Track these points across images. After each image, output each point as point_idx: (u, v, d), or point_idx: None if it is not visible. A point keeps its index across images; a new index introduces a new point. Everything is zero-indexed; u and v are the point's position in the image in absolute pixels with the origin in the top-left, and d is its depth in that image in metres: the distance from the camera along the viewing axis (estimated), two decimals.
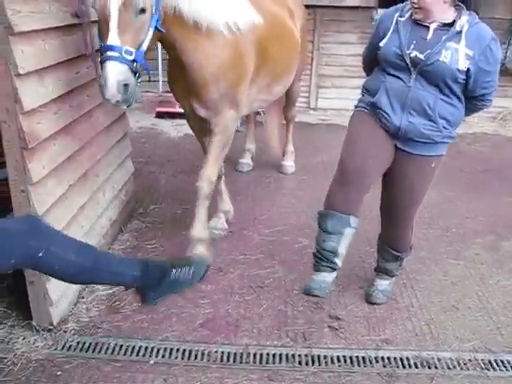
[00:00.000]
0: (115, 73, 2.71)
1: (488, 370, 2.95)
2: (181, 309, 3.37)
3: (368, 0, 7.83)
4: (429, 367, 2.95)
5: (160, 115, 7.86)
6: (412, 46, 2.83)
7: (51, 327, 3.09)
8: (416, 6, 2.77)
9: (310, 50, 7.94)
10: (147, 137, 7.02)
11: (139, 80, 2.91)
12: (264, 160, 5.88)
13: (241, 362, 2.95)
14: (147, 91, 8.29)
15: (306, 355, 3.02)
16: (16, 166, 2.69)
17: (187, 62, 3.32)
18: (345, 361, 2.99)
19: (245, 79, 3.61)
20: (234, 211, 4.47)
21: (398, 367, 2.95)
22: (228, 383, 2.79)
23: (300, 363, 2.96)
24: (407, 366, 2.95)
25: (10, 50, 2.46)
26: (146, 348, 3.02)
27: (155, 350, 3.01)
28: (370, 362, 2.98)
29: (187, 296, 3.49)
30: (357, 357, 3.02)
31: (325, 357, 3.01)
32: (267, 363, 2.95)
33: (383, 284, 3.53)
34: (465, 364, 2.98)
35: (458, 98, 2.89)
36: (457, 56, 2.75)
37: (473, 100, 2.93)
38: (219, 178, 4.20)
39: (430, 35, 2.82)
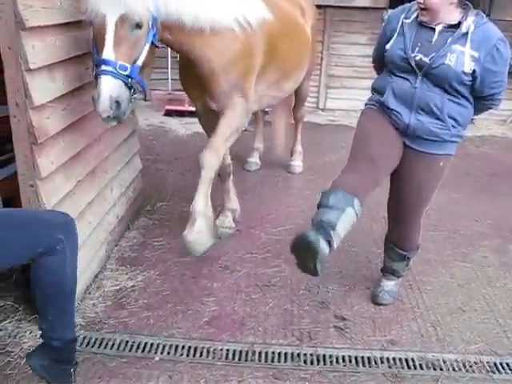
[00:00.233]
0: (109, 88, 2.70)
1: (494, 372, 2.93)
2: (187, 306, 3.38)
3: (378, 0, 7.82)
4: (434, 369, 2.94)
5: (169, 113, 7.89)
6: (417, 49, 2.83)
7: None
8: (422, 6, 2.76)
9: (320, 51, 7.94)
10: (156, 134, 7.04)
11: (134, 96, 2.89)
12: (272, 159, 5.88)
13: (246, 360, 2.95)
14: (156, 89, 8.31)
15: (311, 354, 3.02)
16: (25, 161, 2.71)
17: (196, 58, 3.33)
18: (350, 361, 2.98)
19: (252, 72, 3.61)
20: (241, 210, 4.48)
21: (403, 368, 2.94)
22: (233, 381, 2.79)
23: (305, 362, 2.95)
24: (412, 367, 2.94)
25: (21, 45, 2.47)
26: (152, 344, 3.03)
27: (161, 346, 3.02)
28: (375, 363, 2.97)
29: (193, 293, 3.51)
30: (362, 357, 3.01)
31: (330, 356, 3.01)
32: (272, 362, 2.95)
33: (389, 285, 3.52)
34: (470, 366, 2.97)
35: (465, 98, 2.88)
36: (462, 58, 2.74)
37: (481, 100, 2.92)
38: (228, 175, 4.20)
39: (435, 38, 2.81)
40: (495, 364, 2.99)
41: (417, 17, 2.87)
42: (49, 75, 2.76)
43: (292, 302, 3.47)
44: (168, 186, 5.29)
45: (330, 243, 2.68)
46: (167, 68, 7.98)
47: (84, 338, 3.05)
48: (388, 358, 3.01)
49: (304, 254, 2.71)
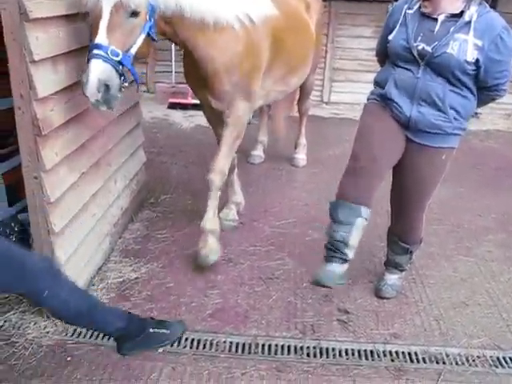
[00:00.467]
0: (98, 71, 2.67)
1: (496, 367, 2.93)
2: (190, 298, 3.39)
3: None
4: (437, 362, 2.95)
5: (173, 106, 7.89)
6: (419, 39, 2.80)
7: None
8: None
9: (325, 44, 7.91)
10: (159, 127, 7.05)
11: (125, 84, 2.85)
12: (276, 152, 5.88)
13: (249, 353, 2.96)
14: (160, 82, 8.31)
15: (314, 347, 3.02)
16: (29, 153, 2.71)
17: (199, 56, 3.31)
18: (353, 354, 2.99)
19: (258, 70, 3.59)
20: (245, 203, 4.48)
21: (406, 362, 2.94)
22: (236, 373, 2.80)
23: (308, 355, 2.96)
24: (415, 361, 2.95)
25: (25, 37, 2.46)
26: None
27: None
28: (378, 356, 2.98)
29: (197, 286, 3.51)
30: (365, 350, 3.02)
31: (333, 349, 3.01)
32: (276, 354, 2.95)
33: (392, 278, 3.52)
34: (473, 360, 2.97)
35: (468, 89, 2.85)
36: (465, 47, 2.71)
37: (485, 90, 2.88)
38: (232, 169, 4.20)
39: (437, 27, 2.78)
40: (498, 358, 3.00)
41: (419, 7, 2.85)
42: (53, 67, 2.76)
43: (295, 294, 3.48)
44: (172, 178, 5.30)
45: (345, 259, 3.05)
46: (171, 61, 7.97)
47: (88, 329, 3.06)
48: (391, 352, 3.01)
49: (325, 286, 3.14)
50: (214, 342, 3.02)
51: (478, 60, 2.72)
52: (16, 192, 3.38)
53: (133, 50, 2.83)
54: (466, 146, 6.36)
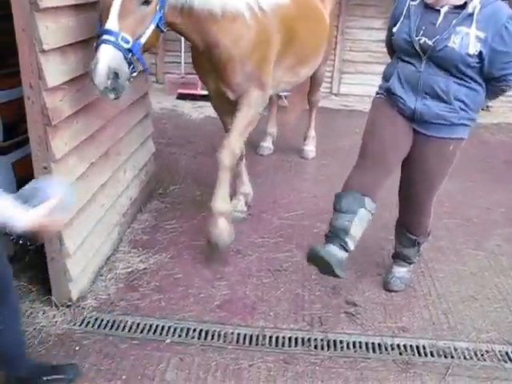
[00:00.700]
0: (107, 58, 2.64)
1: (505, 361, 2.92)
2: (198, 289, 3.39)
3: None
4: (445, 356, 2.94)
5: (182, 97, 7.87)
6: (421, 32, 2.77)
7: (70, 303, 3.13)
8: None
9: (334, 35, 7.85)
10: (168, 118, 7.04)
11: (134, 73, 2.83)
12: (285, 144, 5.86)
13: (257, 344, 2.96)
14: (169, 72, 8.30)
15: (321, 340, 3.02)
16: (39, 143, 2.71)
17: (211, 47, 3.30)
18: (360, 347, 2.98)
19: (270, 59, 3.57)
20: (253, 194, 4.47)
21: (413, 355, 2.93)
22: (243, 364, 2.80)
23: (316, 347, 2.96)
24: (423, 355, 2.94)
25: (35, 26, 2.46)
26: (163, 327, 3.05)
27: (172, 329, 3.04)
28: (386, 349, 2.97)
29: (205, 277, 3.52)
30: (373, 343, 3.01)
31: (341, 342, 3.01)
32: (283, 346, 2.96)
33: (401, 271, 3.51)
34: (482, 355, 2.96)
35: (474, 80, 2.81)
36: (467, 40, 2.66)
37: (494, 82, 2.83)
38: (240, 160, 4.18)
39: (440, 20, 2.75)
40: (507, 353, 2.98)
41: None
42: (62, 57, 2.75)
43: (303, 287, 3.47)
44: (180, 169, 5.30)
45: (344, 247, 2.89)
46: (180, 51, 7.96)
47: (96, 319, 3.08)
48: (399, 345, 3.00)
49: (319, 265, 2.92)
50: (222, 333, 3.02)
51: (481, 52, 2.67)
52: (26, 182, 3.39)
53: (142, 39, 2.81)
54: (477, 140, 6.32)
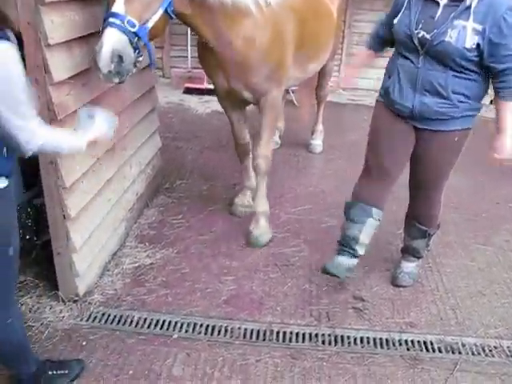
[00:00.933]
0: (113, 41, 2.61)
1: None
2: (205, 284, 3.38)
3: None
4: (453, 352, 2.92)
5: (188, 91, 7.85)
6: (420, 26, 2.74)
7: (77, 298, 3.14)
8: None
9: (341, 29, 7.81)
10: (175, 112, 7.02)
11: (139, 59, 2.79)
12: (292, 138, 5.84)
13: (264, 340, 2.95)
14: (176, 67, 8.28)
15: (329, 335, 3.01)
16: None
17: (223, 45, 3.28)
18: (368, 342, 2.97)
19: (287, 56, 3.58)
20: None
21: (421, 351, 2.92)
22: (250, 360, 2.80)
23: (323, 343, 2.95)
24: (431, 350, 2.93)
25: (41, 20, 2.44)
26: (170, 322, 3.05)
27: (179, 324, 3.04)
28: (394, 345, 2.96)
29: (212, 272, 3.51)
30: (380, 339, 3.00)
31: (348, 337, 3.00)
32: (290, 342, 2.95)
33: (409, 266, 3.49)
34: (490, 351, 2.94)
35: (474, 71, 2.75)
36: (464, 34, 2.62)
37: (500, 76, 2.72)
38: (247, 154, 4.18)
39: (438, 13, 2.71)
40: None
41: None
42: (68, 51, 2.73)
43: (311, 282, 3.46)
44: (187, 163, 5.28)
45: (354, 255, 3.23)
46: (187, 46, 7.93)
47: (103, 314, 3.09)
48: (406, 341, 2.99)
49: (330, 275, 3.22)
50: (229, 329, 3.02)
51: (478, 45, 2.63)
52: (32, 176, 3.38)
53: (149, 24, 2.78)
54: (485, 134, 6.25)
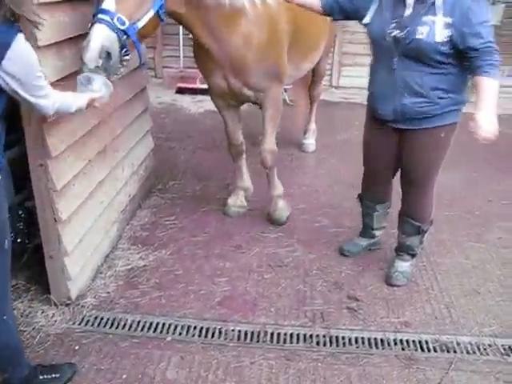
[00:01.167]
0: (101, 36, 2.58)
1: (508, 355, 2.90)
2: (199, 286, 3.37)
3: None
4: (448, 351, 2.92)
5: (181, 91, 7.83)
6: (393, 25, 2.79)
7: (69, 302, 3.11)
8: None
9: (335, 32, 7.79)
10: (167, 112, 7.00)
11: (127, 57, 2.75)
12: (285, 138, 5.81)
13: (258, 341, 2.94)
14: (168, 67, 8.25)
15: (323, 336, 3.00)
16: (35, 141, 2.68)
17: (219, 44, 3.30)
18: (363, 342, 2.96)
19: (283, 52, 3.60)
20: (253, 188, 4.43)
21: (416, 350, 2.91)
22: (245, 362, 2.78)
23: (318, 344, 2.94)
24: (426, 350, 2.92)
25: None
26: (164, 325, 3.03)
27: (172, 326, 3.02)
28: (389, 345, 2.95)
29: (205, 273, 3.50)
30: (375, 339, 2.99)
31: (343, 338, 2.99)
32: (284, 343, 2.93)
33: (404, 265, 3.48)
34: (485, 349, 2.94)
35: (451, 64, 2.79)
36: (434, 29, 2.68)
37: (474, 57, 2.69)
38: (240, 154, 4.16)
39: (408, 11, 2.76)
40: (510, 347, 2.96)
41: None
42: (58, 52, 2.71)
43: (305, 282, 3.45)
44: (180, 164, 5.26)
45: (371, 236, 3.74)
46: (179, 45, 7.91)
47: (96, 317, 3.06)
48: (401, 340, 2.98)
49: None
50: (223, 331, 3.00)
51: (451, 37, 2.67)
52: (22, 178, 3.35)
53: (140, 24, 2.76)
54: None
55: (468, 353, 2.91)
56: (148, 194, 4.52)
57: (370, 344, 2.95)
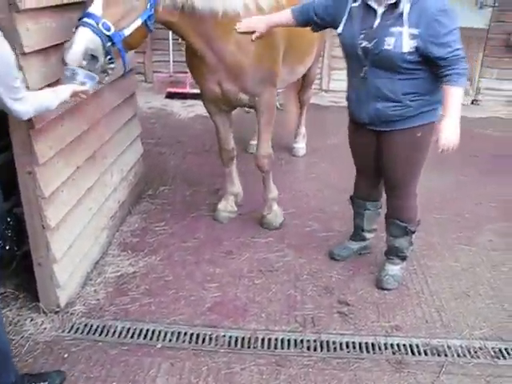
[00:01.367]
0: (85, 39, 2.54)
1: (498, 358, 2.91)
2: (189, 292, 3.35)
3: None
4: (438, 355, 2.92)
5: (170, 96, 7.81)
6: (362, 36, 2.83)
7: (58, 309, 3.09)
8: None
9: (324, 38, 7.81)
10: (157, 117, 6.98)
11: (111, 65, 2.71)
12: (275, 142, 5.77)
13: (249, 347, 2.93)
14: (158, 71, 8.24)
15: (314, 341, 2.99)
16: (22, 147, 2.66)
17: (214, 51, 3.32)
18: (354, 347, 2.96)
19: (278, 56, 3.63)
20: (243, 193, 4.43)
21: (407, 354, 2.91)
22: (235, 368, 2.77)
23: (308, 349, 2.93)
24: (417, 354, 2.92)
25: (15, 28, 2.40)
26: (154, 331, 3.01)
27: (163, 333, 3.00)
28: (379, 349, 2.95)
29: (196, 279, 3.48)
30: (366, 343, 2.99)
31: (333, 342, 2.98)
32: (275, 348, 2.93)
33: (394, 269, 3.48)
34: (475, 352, 2.94)
35: (421, 70, 2.83)
36: (401, 40, 2.72)
37: (442, 65, 2.76)
38: (231, 159, 4.16)
39: (377, 21, 2.80)
40: (500, 350, 2.97)
41: None
42: (44, 59, 2.68)
43: (295, 287, 3.44)
44: (170, 169, 5.25)
45: (362, 239, 3.75)
46: (169, 50, 7.90)
47: (85, 325, 3.04)
48: (392, 344, 2.98)
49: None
50: (213, 337, 2.99)
51: (417, 48, 2.72)
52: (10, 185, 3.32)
53: (126, 32, 2.73)
54: (466, 134, 6.24)
55: (459, 356, 2.91)
56: (138, 199, 4.50)
57: (360, 348, 2.95)
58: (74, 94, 2.53)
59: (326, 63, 8.20)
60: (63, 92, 2.45)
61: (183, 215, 4.29)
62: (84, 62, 2.54)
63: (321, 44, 4.93)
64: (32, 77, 2.55)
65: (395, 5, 2.73)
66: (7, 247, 3.15)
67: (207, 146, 5.72)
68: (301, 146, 5.74)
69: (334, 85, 8.30)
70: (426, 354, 2.92)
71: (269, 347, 2.93)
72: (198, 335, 3.00)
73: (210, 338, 2.98)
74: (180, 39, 3.56)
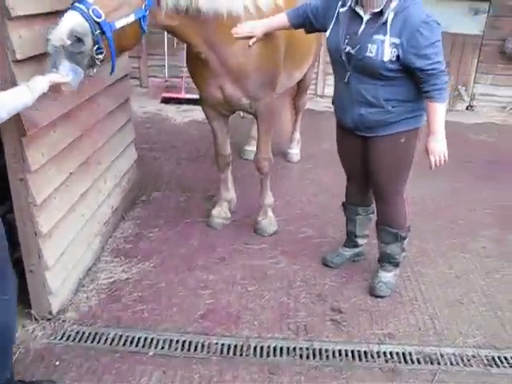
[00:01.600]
0: (73, 21, 2.44)
1: (491, 366, 2.91)
2: (182, 299, 3.34)
3: None
4: (431, 363, 2.91)
5: (166, 100, 7.81)
6: (346, 41, 2.86)
7: (50, 316, 3.08)
8: None
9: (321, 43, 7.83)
10: (152, 122, 6.97)
11: (99, 56, 2.57)
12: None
13: (241, 355, 2.92)
14: (153, 76, 8.24)
15: (307, 348, 2.98)
16: (14, 154, 2.65)
17: (216, 54, 3.33)
18: (346, 355, 2.95)
19: (280, 60, 3.64)
20: (237, 200, 4.42)
21: (400, 362, 2.91)
22: (227, 376, 2.76)
23: (301, 356, 2.92)
24: (410, 362, 2.92)
25: (7, 35, 2.39)
26: (146, 339, 3.00)
27: (155, 341, 2.99)
28: (372, 357, 2.94)
29: (188, 286, 3.47)
30: (359, 351, 2.98)
31: (326, 350, 2.97)
32: (268, 356, 2.92)
33: (387, 276, 3.48)
34: (468, 360, 2.94)
35: (402, 77, 2.86)
36: (382, 48, 2.75)
37: (423, 79, 2.80)
38: (227, 165, 4.16)
39: (362, 28, 2.83)
40: (493, 358, 2.97)
41: (351, 5, 2.88)
42: (38, 66, 2.67)
43: (288, 294, 3.43)
44: (164, 175, 5.24)
45: (354, 245, 3.76)
46: (164, 55, 7.89)
47: (77, 332, 3.03)
48: (385, 352, 2.98)
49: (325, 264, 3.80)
50: (206, 344, 2.98)
51: (398, 57, 2.75)
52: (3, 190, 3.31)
53: (117, 24, 2.64)
54: (461, 140, 6.33)
55: (452, 364, 2.91)
56: (131, 205, 4.49)
57: (353, 356, 2.94)
58: (55, 86, 2.40)
59: (321, 68, 8.21)
60: (39, 83, 2.30)
61: (177, 221, 4.28)
62: (68, 41, 2.41)
63: (318, 49, 4.93)
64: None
65: (380, 13, 2.75)
66: None
67: (202, 152, 5.72)
68: (295, 152, 5.74)
69: (328, 90, 8.30)
70: (418, 362, 2.92)
71: (261, 355, 2.92)
72: (190, 343, 2.99)
73: (203, 346, 2.97)
74: (179, 43, 3.54)
